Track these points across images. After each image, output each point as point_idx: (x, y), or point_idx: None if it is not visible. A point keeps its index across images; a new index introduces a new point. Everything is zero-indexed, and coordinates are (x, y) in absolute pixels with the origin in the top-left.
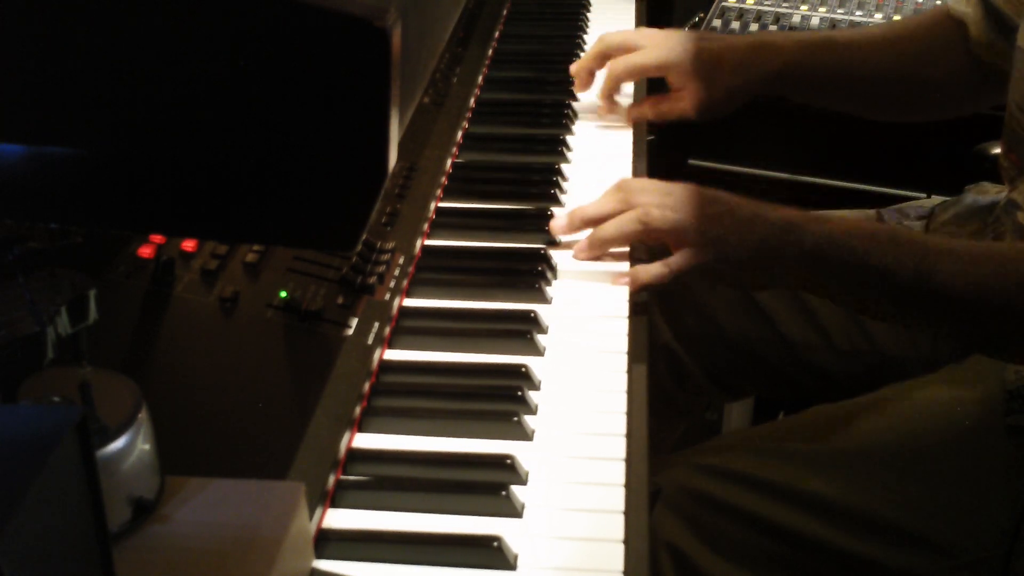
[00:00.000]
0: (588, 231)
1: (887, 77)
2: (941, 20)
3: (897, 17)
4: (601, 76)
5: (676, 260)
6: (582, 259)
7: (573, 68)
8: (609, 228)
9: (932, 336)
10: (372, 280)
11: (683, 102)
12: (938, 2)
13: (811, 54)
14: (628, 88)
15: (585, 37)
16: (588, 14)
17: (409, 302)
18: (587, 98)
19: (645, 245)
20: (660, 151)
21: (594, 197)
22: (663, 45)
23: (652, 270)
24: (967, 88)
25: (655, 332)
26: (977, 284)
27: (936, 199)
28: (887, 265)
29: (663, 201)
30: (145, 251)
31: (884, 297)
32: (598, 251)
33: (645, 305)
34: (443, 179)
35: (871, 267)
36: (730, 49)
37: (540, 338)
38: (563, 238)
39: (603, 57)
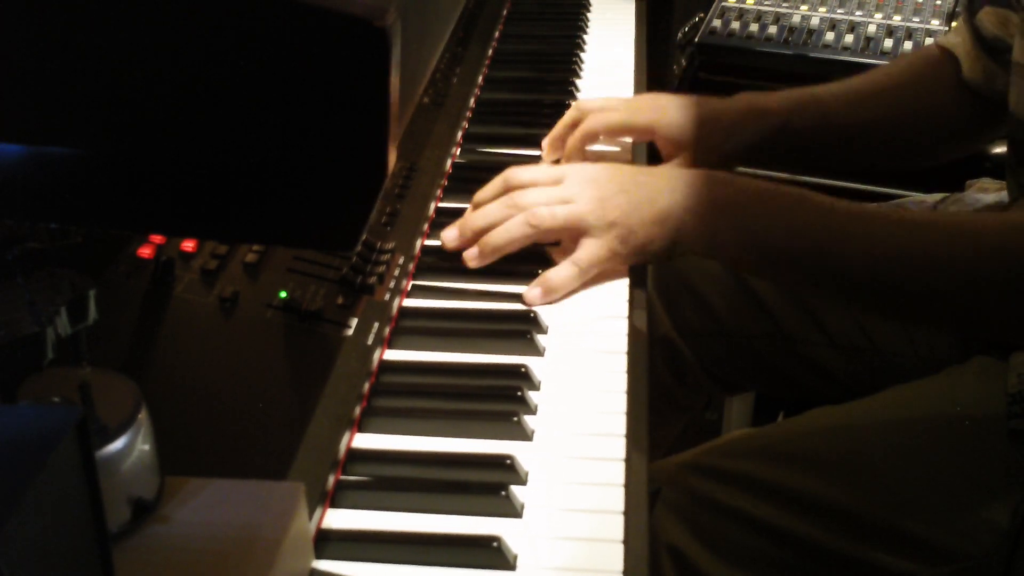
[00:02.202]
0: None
1: (881, 126)
2: (932, 59)
3: (897, 17)
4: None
5: (582, 255)
6: (474, 267)
7: (546, 140)
8: (499, 237)
9: (904, 326)
10: (372, 280)
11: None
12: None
13: (801, 112)
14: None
15: (585, 37)
16: (588, 14)
17: (409, 302)
18: (586, 96)
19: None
20: (658, 153)
21: None
22: (652, 106)
23: (562, 273)
24: (968, 124)
25: (654, 323)
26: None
27: (936, 196)
28: (794, 226)
29: (551, 196)
30: (145, 251)
31: (787, 267)
32: (490, 259)
33: (645, 301)
34: (443, 179)
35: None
36: (724, 112)
37: (540, 338)
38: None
39: (578, 123)
